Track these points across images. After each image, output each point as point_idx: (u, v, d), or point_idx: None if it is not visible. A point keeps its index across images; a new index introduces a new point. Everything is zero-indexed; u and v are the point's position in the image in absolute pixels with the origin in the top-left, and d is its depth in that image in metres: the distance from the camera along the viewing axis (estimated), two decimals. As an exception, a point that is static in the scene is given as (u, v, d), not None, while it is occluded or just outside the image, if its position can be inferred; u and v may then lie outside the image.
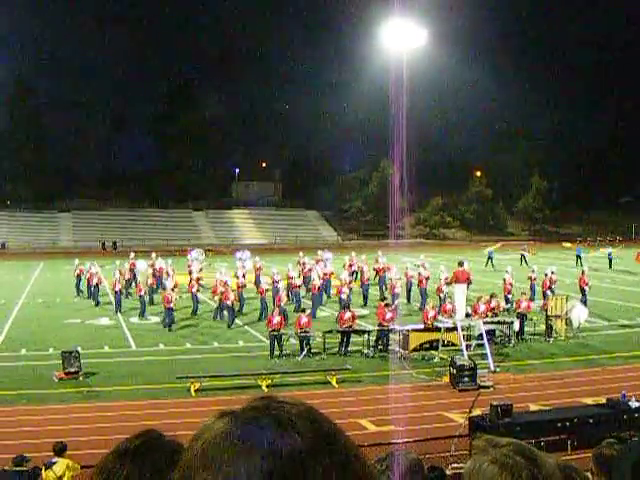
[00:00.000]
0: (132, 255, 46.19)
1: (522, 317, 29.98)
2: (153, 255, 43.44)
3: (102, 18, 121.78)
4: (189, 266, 42.33)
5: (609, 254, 58.02)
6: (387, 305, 28.88)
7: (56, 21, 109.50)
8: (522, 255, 60.00)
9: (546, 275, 37.08)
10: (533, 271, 39.42)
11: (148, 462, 2.04)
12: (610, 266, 56.32)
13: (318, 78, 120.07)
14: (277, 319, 26.83)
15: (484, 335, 26.13)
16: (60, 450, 13.33)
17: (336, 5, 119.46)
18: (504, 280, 36.16)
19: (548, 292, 34.93)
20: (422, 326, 27.54)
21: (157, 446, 2.10)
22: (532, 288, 37.56)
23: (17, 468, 13.65)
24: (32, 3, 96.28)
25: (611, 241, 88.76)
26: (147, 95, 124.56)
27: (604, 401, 18.80)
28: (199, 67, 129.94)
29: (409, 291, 39.38)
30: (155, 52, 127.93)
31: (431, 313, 28.11)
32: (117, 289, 37.44)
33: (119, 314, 36.34)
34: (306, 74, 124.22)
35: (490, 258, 58.57)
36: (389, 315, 27.79)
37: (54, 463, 13.03)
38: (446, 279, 35.35)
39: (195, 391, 22.12)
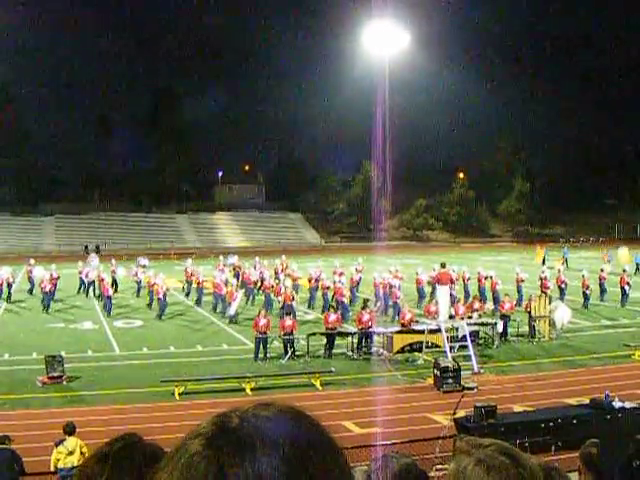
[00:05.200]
0: (32, 262, 45.97)
1: (506, 318, 30.06)
2: (53, 266, 43.17)
3: (86, 21, 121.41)
4: (80, 272, 44.91)
5: (636, 259, 56.55)
6: (365, 307, 28.92)
7: (40, 24, 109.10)
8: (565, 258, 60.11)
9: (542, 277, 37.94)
10: (543, 271, 39.85)
11: (128, 466, 2.04)
12: (637, 271, 54.45)
13: (302, 81, 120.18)
14: (263, 322, 26.81)
15: (468, 337, 26.19)
16: (71, 431, 13.56)
17: (320, 8, 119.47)
18: (583, 276, 38.12)
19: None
20: (403, 328, 27.66)
21: (137, 450, 2.10)
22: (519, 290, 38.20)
23: (1, 446, 13.76)
24: (15, 6, 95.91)
25: (594, 242, 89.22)
26: (130, 98, 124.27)
27: (587, 401, 18.85)
28: (182, 71, 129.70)
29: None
30: (139, 55, 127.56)
31: (408, 315, 28.25)
32: (46, 289, 38.88)
33: (103, 318, 36.34)
34: (290, 77, 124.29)
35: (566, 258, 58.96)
36: (366, 317, 27.85)
37: (64, 440, 13.27)
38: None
39: (179, 394, 22.07)
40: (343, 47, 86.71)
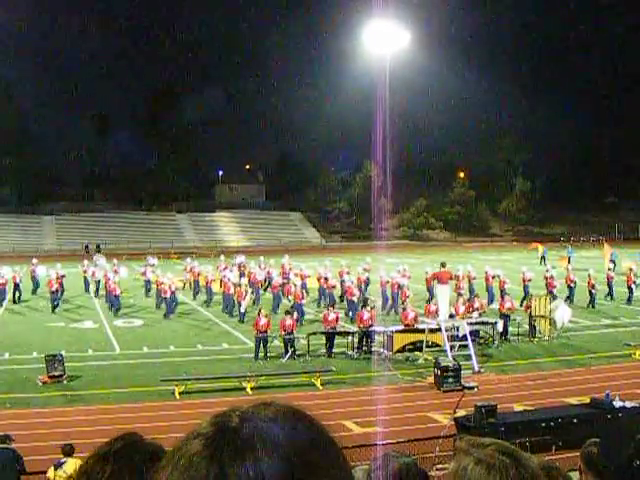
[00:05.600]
0: (35, 261, 45.50)
1: (506, 318, 30.03)
2: (58, 265, 42.82)
3: (86, 20, 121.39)
4: (85, 271, 45.79)
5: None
6: (364, 305, 28.96)
7: (39, 22, 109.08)
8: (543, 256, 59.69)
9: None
10: (547, 270, 39.72)
11: (128, 464, 2.04)
12: None
13: (302, 80, 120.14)
14: (263, 321, 26.80)
15: (468, 336, 26.16)
16: (69, 451, 13.42)
17: (320, 8, 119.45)
18: (589, 275, 38.27)
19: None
20: (404, 327, 27.68)
21: (137, 448, 2.10)
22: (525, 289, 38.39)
23: (1, 445, 13.70)
24: (14, 4, 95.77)
25: (595, 241, 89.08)
26: (131, 97, 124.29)
27: (588, 401, 18.85)
28: (182, 70, 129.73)
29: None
30: (139, 55, 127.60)
31: (411, 314, 28.21)
32: (54, 289, 38.55)
33: (104, 317, 36.35)
34: (290, 76, 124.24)
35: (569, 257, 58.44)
36: (367, 315, 27.87)
37: (63, 463, 13.11)
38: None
39: (179, 394, 22.07)
40: (343, 46, 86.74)
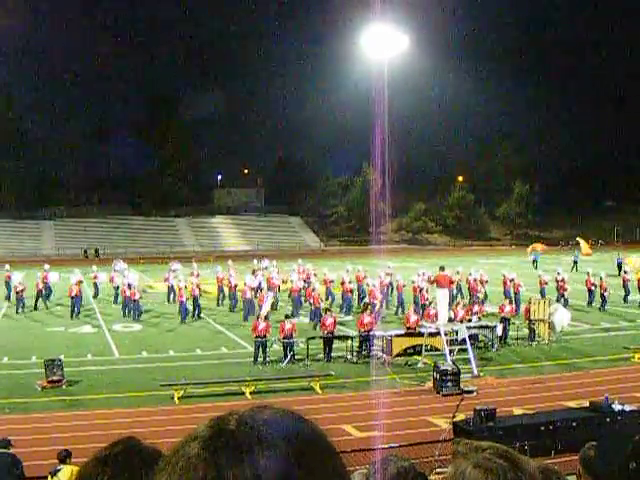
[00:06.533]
0: (46, 267, 44.73)
1: (505, 321, 30.04)
2: (76, 270, 42.47)
3: (86, 23, 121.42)
4: (95, 277, 45.17)
5: None
6: (365, 309, 28.91)
7: (37, 28, 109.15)
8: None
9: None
10: (558, 273, 39.70)
11: (127, 469, 2.05)
12: None
13: (301, 84, 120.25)
14: (262, 325, 26.78)
15: (467, 340, 26.15)
16: (64, 457, 13.33)
17: (318, 11, 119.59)
18: (600, 278, 38.57)
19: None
20: (405, 331, 27.68)
21: (136, 453, 2.11)
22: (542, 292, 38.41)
23: (1, 450, 13.65)
24: (12, 10, 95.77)
25: (593, 244, 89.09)
26: (129, 102, 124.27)
27: (587, 404, 18.86)
28: (181, 74, 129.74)
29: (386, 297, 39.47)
30: (138, 58, 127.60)
31: (413, 318, 28.21)
32: (73, 294, 38.03)
33: (103, 322, 36.28)
34: (289, 80, 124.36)
35: (575, 262, 58.30)
36: (367, 319, 27.84)
37: (59, 470, 13.03)
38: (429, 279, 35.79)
39: (179, 398, 22.04)
40: (342, 50, 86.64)
